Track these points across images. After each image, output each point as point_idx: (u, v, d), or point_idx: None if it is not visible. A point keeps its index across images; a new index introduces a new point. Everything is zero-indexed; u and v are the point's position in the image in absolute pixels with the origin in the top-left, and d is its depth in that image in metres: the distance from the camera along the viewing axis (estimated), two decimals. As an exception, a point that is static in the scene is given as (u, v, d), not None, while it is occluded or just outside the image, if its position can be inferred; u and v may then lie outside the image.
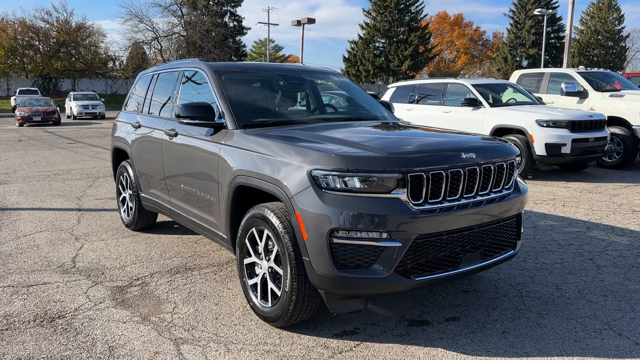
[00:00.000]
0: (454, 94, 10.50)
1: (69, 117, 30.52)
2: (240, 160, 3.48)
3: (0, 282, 4.11)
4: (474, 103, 9.78)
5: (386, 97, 12.20)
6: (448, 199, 3.04)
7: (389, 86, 12.59)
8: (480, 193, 3.20)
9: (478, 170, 3.15)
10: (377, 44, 54.96)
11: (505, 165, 3.34)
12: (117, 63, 54.05)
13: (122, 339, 3.15)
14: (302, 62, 41.01)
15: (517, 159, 3.56)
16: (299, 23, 34.46)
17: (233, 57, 53.34)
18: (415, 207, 2.91)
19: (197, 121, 3.83)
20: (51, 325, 3.34)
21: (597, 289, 3.97)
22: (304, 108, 4.53)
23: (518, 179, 3.71)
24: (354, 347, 3.06)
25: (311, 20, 33.27)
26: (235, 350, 3.01)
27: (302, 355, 2.95)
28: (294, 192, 2.99)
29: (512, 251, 3.49)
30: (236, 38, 53.46)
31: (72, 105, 30.13)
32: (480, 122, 9.64)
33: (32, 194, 7.77)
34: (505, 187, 3.39)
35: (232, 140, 3.66)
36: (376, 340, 3.13)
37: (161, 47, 51.98)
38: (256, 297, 3.41)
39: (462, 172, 3.07)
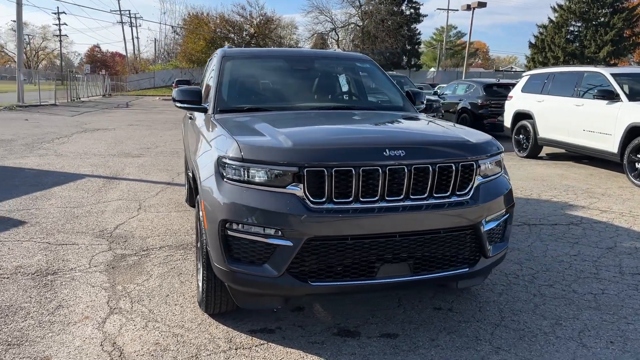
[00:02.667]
0: (590, 85, 9.02)
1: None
2: (193, 143, 3.53)
3: (45, 237, 4.80)
4: (609, 95, 8.30)
5: (518, 87, 11.03)
6: (362, 200, 2.70)
7: (523, 74, 11.34)
8: (412, 197, 2.77)
9: (406, 170, 2.73)
10: (570, 28, 49.29)
11: (454, 168, 2.83)
12: (298, 53, 57.61)
13: (75, 301, 3.47)
14: (468, 48, 38.79)
15: (486, 161, 2.99)
16: (468, 7, 32.67)
17: (407, 46, 52.92)
18: (314, 206, 2.65)
19: (186, 105, 3.98)
20: (40, 280, 3.82)
21: None
22: (299, 94, 4.37)
23: (503, 185, 3.12)
24: (256, 345, 2.93)
25: (482, 4, 31.24)
26: (149, 328, 3.10)
27: (200, 344, 2.92)
28: (202, 179, 2.96)
29: (467, 269, 2.95)
30: (411, 26, 52.86)
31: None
32: (613, 118, 8.17)
33: (147, 167, 8.82)
34: (458, 192, 2.87)
35: (204, 123, 3.74)
36: (284, 343, 2.95)
37: (338, 37, 53.90)
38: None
39: (380, 171, 2.69)
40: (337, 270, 2.73)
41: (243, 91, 4.20)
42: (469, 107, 14.00)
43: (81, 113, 21.85)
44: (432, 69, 62.23)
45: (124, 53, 74.72)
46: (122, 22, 68.74)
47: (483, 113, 13.65)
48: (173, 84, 40.92)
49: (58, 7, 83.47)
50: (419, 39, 54.48)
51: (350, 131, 3.40)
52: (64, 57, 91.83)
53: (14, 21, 71.87)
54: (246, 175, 2.73)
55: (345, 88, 4.58)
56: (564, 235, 5.13)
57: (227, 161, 2.78)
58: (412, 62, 54.78)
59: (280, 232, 2.64)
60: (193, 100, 3.93)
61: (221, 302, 3.08)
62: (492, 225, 3.02)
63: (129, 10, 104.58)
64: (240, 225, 2.71)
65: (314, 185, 2.66)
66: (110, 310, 3.34)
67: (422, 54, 61.94)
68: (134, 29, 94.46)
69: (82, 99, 34.34)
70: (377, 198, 2.72)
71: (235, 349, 2.88)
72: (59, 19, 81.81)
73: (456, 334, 3.09)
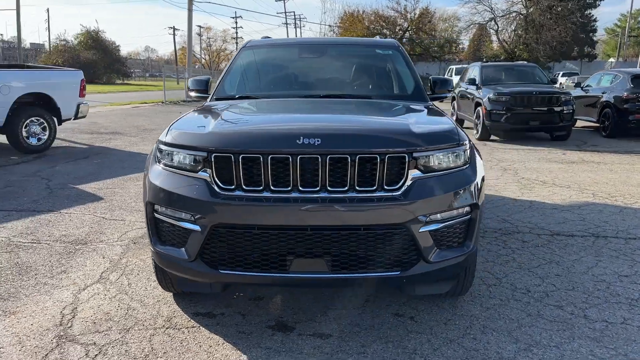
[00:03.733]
0: None
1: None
2: None
3: (104, 213, 5.40)
4: None
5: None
6: (274, 189, 2.59)
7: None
8: (330, 189, 2.57)
9: (321, 160, 2.54)
10: None
11: (379, 160, 2.55)
12: (453, 46, 55.53)
13: (78, 269, 3.87)
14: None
15: (429, 153, 2.65)
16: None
17: (580, 34, 47.72)
18: (222, 192, 2.61)
19: (194, 93, 4.18)
20: (69, 248, 4.33)
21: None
22: (298, 82, 4.25)
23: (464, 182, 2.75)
24: (187, 328, 2.98)
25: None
26: (114, 299, 3.34)
27: (141, 319, 3.07)
28: (149, 162, 3.09)
29: (398, 273, 2.65)
30: (585, 12, 47.52)
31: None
32: None
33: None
34: (386, 187, 2.59)
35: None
36: (213, 329, 2.96)
37: (498, 27, 50.68)
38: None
39: (291, 159, 2.55)
40: (246, 260, 2.65)
41: (244, 79, 4.25)
42: (612, 101, 12.20)
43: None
44: (611, 60, 55.33)
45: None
46: (286, 24, 73.00)
47: (629, 108, 11.82)
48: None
49: (236, 12, 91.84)
50: (594, 26, 48.76)
51: (286, 119, 3.27)
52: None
53: (199, 26, 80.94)
54: (170, 159, 2.79)
55: (352, 76, 4.36)
56: (632, 253, 4.26)
57: (159, 145, 2.87)
58: (586, 52, 49.29)
59: (192, 217, 2.66)
60: (200, 89, 4.12)
61: (166, 282, 3.18)
62: (436, 226, 2.66)
63: (294, 12, 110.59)
64: (162, 207, 2.78)
65: (222, 172, 2.62)
66: (98, 279, 3.66)
67: (596, 43, 55.39)
68: (297, 29, 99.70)
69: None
70: (289, 188, 2.58)
71: (166, 328, 2.97)
72: (236, 22, 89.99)
73: (394, 344, 2.79)
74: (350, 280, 2.67)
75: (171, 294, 3.39)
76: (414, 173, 2.63)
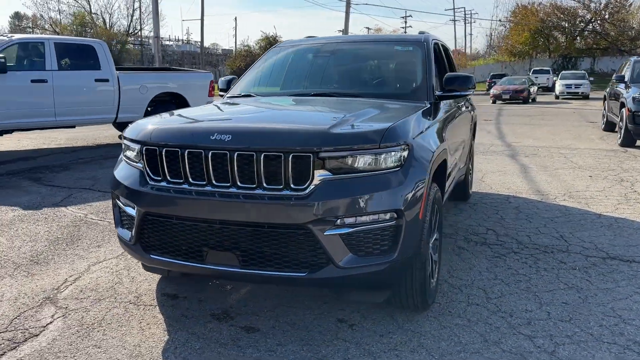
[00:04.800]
0: None
1: (556, 97, 30.41)
2: None
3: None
4: None
5: None
6: (192, 182, 2.73)
7: None
8: (240, 185, 2.63)
9: (229, 156, 2.61)
10: None
11: (283, 158, 2.53)
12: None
13: (104, 245, 4.44)
14: None
15: (340, 154, 2.54)
16: None
17: None
18: (152, 183, 2.84)
19: (220, 93, 4.49)
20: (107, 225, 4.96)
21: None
22: (301, 81, 4.19)
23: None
24: (147, 306, 3.26)
25: None
26: (113, 273, 3.79)
27: (119, 293, 3.44)
28: None
29: (304, 274, 2.59)
30: None
31: (557, 85, 30.07)
32: None
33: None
34: (293, 186, 2.55)
35: None
36: (164, 311, 3.19)
37: None
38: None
39: (203, 154, 2.66)
40: (171, 248, 2.83)
41: (253, 78, 4.39)
42: None
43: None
44: None
45: (463, 50, 76.82)
46: (454, 20, 70.88)
47: None
48: (487, 79, 40.83)
49: (405, 12, 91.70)
50: None
51: (220, 116, 3.34)
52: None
53: (367, 28, 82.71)
54: (126, 151, 3.10)
55: (354, 74, 4.18)
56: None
57: (122, 138, 3.20)
58: None
59: (131, 203, 2.93)
60: (223, 88, 4.40)
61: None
62: (347, 230, 2.53)
63: (464, 8, 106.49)
64: (117, 194, 3.10)
65: (152, 164, 2.83)
66: (118, 255, 4.16)
67: None
68: (467, 25, 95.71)
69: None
70: (205, 182, 2.69)
71: (129, 303, 3.29)
72: (405, 22, 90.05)
73: (310, 347, 2.73)
74: (260, 277, 2.68)
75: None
76: (321, 174, 2.53)
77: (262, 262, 2.63)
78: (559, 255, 4.12)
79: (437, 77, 3.93)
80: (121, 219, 3.11)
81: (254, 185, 2.60)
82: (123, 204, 3.01)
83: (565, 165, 8.30)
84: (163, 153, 2.76)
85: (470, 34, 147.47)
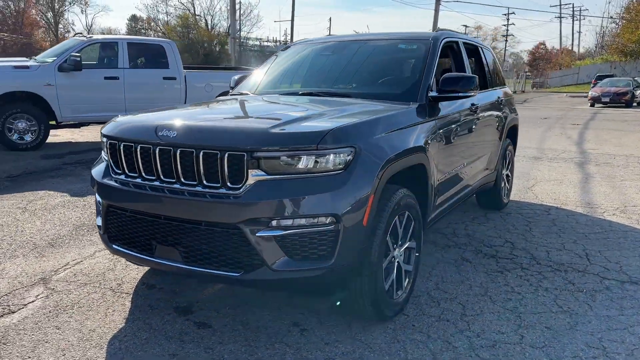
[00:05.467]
0: None
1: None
2: None
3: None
4: None
5: None
6: (145, 177, 2.81)
7: None
8: (184, 181, 2.67)
9: (172, 152, 2.66)
10: None
11: (219, 157, 2.53)
12: None
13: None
14: None
15: (276, 154, 2.49)
16: None
17: None
18: (114, 176, 2.96)
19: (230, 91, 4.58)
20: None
21: None
22: (291, 81, 4.11)
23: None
24: (124, 293, 3.41)
25: None
26: (101, 255, 4.01)
27: (106, 280, 3.62)
28: None
29: (238, 275, 2.57)
30: None
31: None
32: None
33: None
34: (230, 185, 2.54)
35: None
36: (137, 301, 3.30)
37: None
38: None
39: (152, 150, 2.73)
40: (128, 240, 2.93)
41: (259, 77, 4.39)
42: None
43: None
44: None
45: (570, 48, 71.99)
46: (559, 17, 66.47)
47: None
48: (592, 80, 37.95)
49: (508, 9, 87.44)
50: None
51: (193, 113, 3.33)
52: (515, 55, 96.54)
53: (465, 26, 79.99)
54: (102, 145, 3.25)
55: (349, 74, 4.00)
56: None
57: None
58: None
59: (98, 195, 3.08)
60: (232, 86, 4.49)
61: None
62: (280, 232, 2.48)
63: (572, 4, 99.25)
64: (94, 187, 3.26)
65: (114, 158, 2.95)
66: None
67: None
68: (575, 22, 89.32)
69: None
70: (154, 177, 2.76)
71: (107, 289, 3.45)
72: (507, 19, 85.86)
73: (248, 350, 2.70)
74: (200, 274, 2.69)
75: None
76: (255, 173, 2.50)
77: (202, 259, 2.65)
78: (571, 275, 3.73)
79: (436, 77, 3.71)
80: (98, 209, 3.27)
81: (195, 183, 2.62)
82: (97, 196, 3.17)
83: (638, 176, 7.49)
84: (121, 147, 2.87)
85: (579, 32, 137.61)
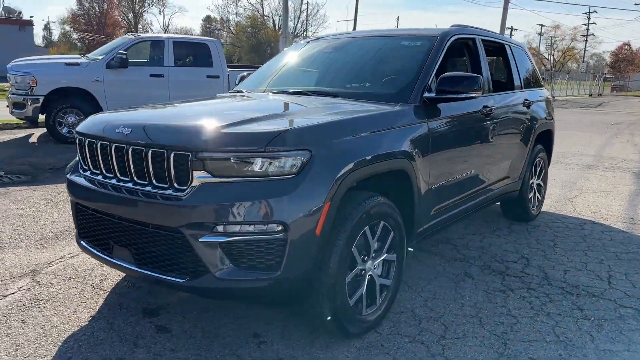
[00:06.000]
0: None
1: None
2: None
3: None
4: None
5: None
6: (106, 174, 2.76)
7: None
8: (137, 181, 2.58)
9: (125, 150, 2.58)
10: None
11: (165, 156, 2.42)
12: None
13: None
14: None
15: (223, 155, 2.35)
16: None
17: None
18: (82, 173, 2.93)
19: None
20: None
21: None
22: (285, 79, 3.92)
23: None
24: (101, 290, 3.39)
25: None
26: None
27: (86, 276, 3.64)
28: None
29: (182, 281, 2.45)
30: None
31: None
32: None
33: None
34: (178, 186, 2.42)
35: None
36: (110, 296, 3.28)
37: None
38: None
39: (109, 147, 2.67)
40: (92, 238, 2.89)
41: (258, 75, 4.27)
42: None
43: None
44: None
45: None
46: (646, 16, 61.81)
47: None
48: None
49: (589, 7, 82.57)
50: None
51: (160, 110, 3.25)
52: (597, 56, 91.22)
53: (541, 25, 76.34)
54: None
55: (346, 72, 3.75)
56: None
57: None
58: None
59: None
60: (236, 83, 4.41)
61: None
62: (224, 239, 2.33)
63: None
64: None
65: (82, 154, 2.92)
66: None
67: None
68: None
69: (556, 98, 34.09)
70: (112, 175, 2.70)
71: (88, 285, 3.44)
72: (588, 19, 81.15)
73: (197, 358, 2.58)
74: (151, 278, 2.59)
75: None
76: (200, 175, 2.36)
77: (152, 262, 2.56)
78: (582, 300, 3.33)
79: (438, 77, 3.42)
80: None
81: (146, 182, 2.53)
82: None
83: (702, 191, 6.72)
84: (85, 144, 2.83)
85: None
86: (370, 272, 2.81)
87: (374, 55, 3.85)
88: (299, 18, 59.94)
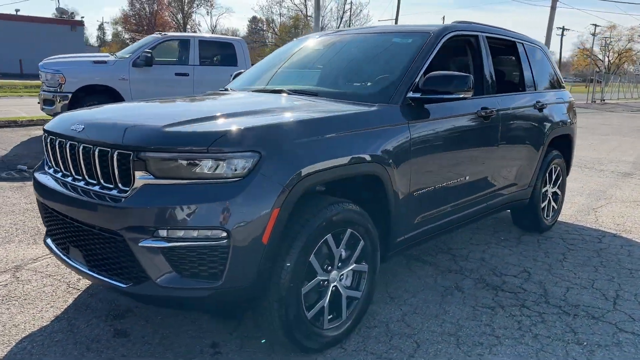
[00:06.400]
0: None
1: None
2: None
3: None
4: None
5: None
6: (64, 172, 2.69)
7: None
8: (88, 180, 2.50)
9: (77, 148, 2.50)
10: None
11: (109, 155, 2.32)
12: None
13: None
14: None
15: (158, 155, 2.23)
16: None
17: None
18: (48, 171, 2.89)
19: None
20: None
21: None
22: (272, 77, 3.75)
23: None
24: (73, 288, 3.35)
25: None
26: (92, 253, 4.00)
27: (68, 275, 3.62)
28: None
29: (125, 286, 2.35)
30: None
31: None
32: None
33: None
34: (122, 187, 2.32)
35: None
36: (82, 297, 3.23)
37: None
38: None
39: (64, 144, 2.61)
40: (53, 236, 2.84)
41: (249, 73, 4.16)
42: None
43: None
44: None
45: None
46: None
47: None
48: None
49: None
50: None
51: (123, 108, 3.17)
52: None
53: (594, 25, 73.28)
54: None
55: (330, 70, 3.55)
56: None
57: None
58: None
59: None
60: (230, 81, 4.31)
61: None
62: (165, 244, 2.21)
63: None
64: None
65: (46, 151, 2.87)
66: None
67: None
68: None
69: (606, 101, 32.57)
70: (68, 174, 2.63)
71: (65, 284, 3.41)
72: (645, 17, 77.20)
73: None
74: (100, 281, 2.50)
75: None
76: (142, 175, 2.25)
77: (100, 265, 2.47)
78: (579, 322, 3.04)
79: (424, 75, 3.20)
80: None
81: (95, 182, 2.44)
82: (35, 189, 3.13)
83: None
84: (48, 141, 2.78)
85: None
86: (335, 283, 2.63)
87: (362, 53, 3.66)
88: (342, 18, 59.75)
